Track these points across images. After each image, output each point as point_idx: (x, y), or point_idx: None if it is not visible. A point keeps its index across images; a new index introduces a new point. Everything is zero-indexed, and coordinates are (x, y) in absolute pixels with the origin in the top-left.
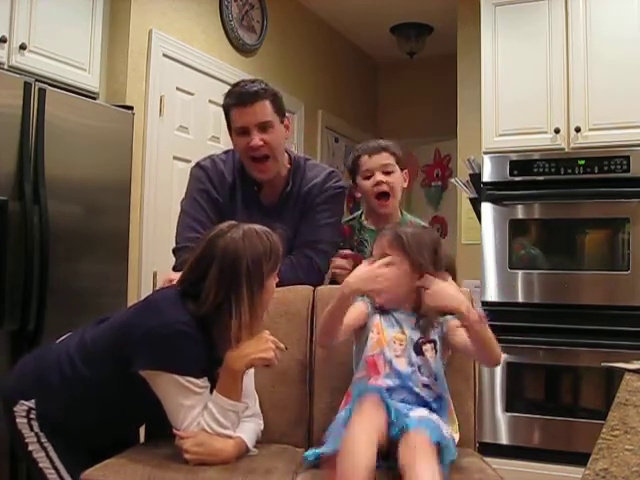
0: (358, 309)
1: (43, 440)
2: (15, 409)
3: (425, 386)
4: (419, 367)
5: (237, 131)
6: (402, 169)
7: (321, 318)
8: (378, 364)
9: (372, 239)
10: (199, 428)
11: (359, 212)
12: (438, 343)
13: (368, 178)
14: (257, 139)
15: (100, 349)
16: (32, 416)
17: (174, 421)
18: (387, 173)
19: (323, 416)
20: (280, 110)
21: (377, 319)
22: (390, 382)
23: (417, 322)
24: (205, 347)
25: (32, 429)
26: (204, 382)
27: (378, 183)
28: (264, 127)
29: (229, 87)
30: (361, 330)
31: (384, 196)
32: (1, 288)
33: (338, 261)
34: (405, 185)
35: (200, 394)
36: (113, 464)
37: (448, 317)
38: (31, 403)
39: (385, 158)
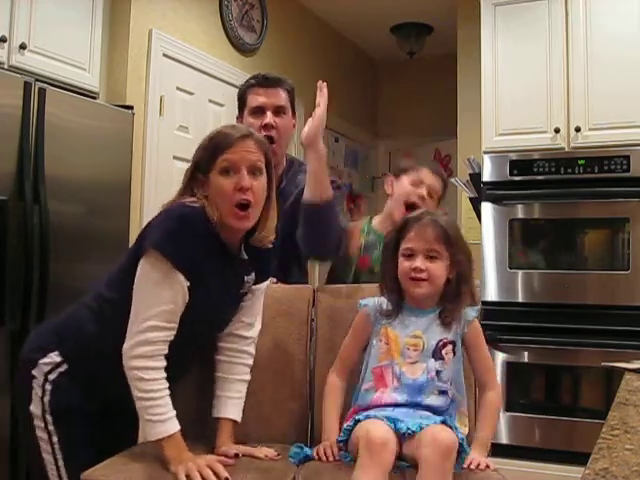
0: (361, 332)
1: (50, 427)
2: (34, 373)
3: (441, 392)
4: (437, 372)
5: (252, 111)
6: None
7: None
8: (385, 377)
9: (380, 243)
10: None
11: (368, 217)
12: (457, 344)
13: (415, 185)
14: (271, 119)
15: (125, 267)
16: (48, 386)
17: (131, 316)
18: (431, 196)
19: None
20: (292, 104)
21: (385, 325)
22: (398, 397)
23: (440, 316)
24: (210, 251)
25: (42, 405)
26: (181, 291)
27: (422, 197)
28: (278, 111)
29: (229, 87)
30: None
31: (413, 207)
32: (1, 288)
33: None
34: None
35: (173, 291)
36: (114, 463)
37: (471, 314)
38: (51, 358)
39: (440, 185)
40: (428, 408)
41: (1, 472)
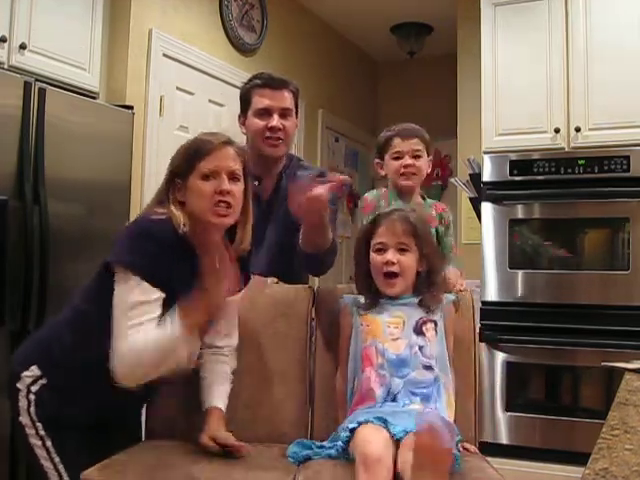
0: (346, 327)
1: (41, 432)
2: (18, 386)
3: (426, 367)
4: (420, 347)
5: (258, 112)
6: (428, 155)
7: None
8: (370, 356)
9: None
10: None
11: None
12: (439, 324)
13: (397, 159)
14: (278, 122)
15: (95, 278)
16: (32, 396)
17: (113, 330)
18: (416, 157)
19: (323, 416)
20: (296, 105)
21: (364, 313)
22: (385, 373)
23: (420, 302)
24: (179, 258)
25: (30, 415)
26: (155, 293)
27: (406, 166)
28: (284, 114)
29: (229, 87)
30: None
31: (411, 177)
32: (1, 288)
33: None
34: (428, 171)
35: (147, 303)
36: (113, 463)
37: (449, 298)
38: (32, 371)
39: (416, 144)
40: (415, 383)
41: (1, 472)
